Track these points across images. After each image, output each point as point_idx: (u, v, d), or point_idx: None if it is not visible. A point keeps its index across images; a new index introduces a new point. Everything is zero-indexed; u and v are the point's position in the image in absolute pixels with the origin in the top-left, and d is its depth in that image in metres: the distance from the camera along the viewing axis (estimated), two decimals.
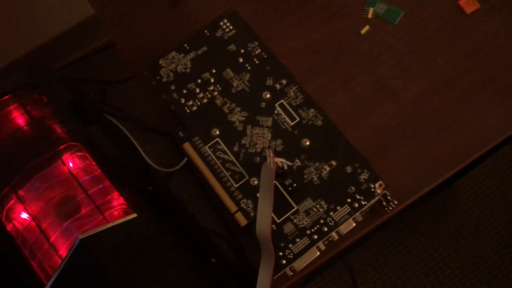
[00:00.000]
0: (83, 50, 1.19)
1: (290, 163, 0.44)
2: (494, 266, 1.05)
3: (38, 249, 0.65)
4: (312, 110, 0.48)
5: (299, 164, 0.46)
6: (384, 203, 0.47)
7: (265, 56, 0.50)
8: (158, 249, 0.65)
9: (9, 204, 0.68)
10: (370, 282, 1.06)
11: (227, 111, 0.49)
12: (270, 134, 0.48)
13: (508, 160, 1.13)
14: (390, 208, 0.47)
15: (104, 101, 1.20)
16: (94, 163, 0.70)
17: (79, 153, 0.70)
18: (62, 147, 0.70)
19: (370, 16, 0.55)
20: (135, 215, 0.64)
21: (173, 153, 1.16)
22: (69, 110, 0.74)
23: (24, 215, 0.68)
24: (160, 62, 0.51)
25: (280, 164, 0.43)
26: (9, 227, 0.67)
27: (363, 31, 0.55)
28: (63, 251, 0.65)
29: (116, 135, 1.07)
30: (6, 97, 0.74)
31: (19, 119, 0.73)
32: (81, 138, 0.70)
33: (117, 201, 0.68)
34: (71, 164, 0.70)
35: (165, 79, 0.50)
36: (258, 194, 0.45)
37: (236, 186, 0.46)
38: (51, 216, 0.67)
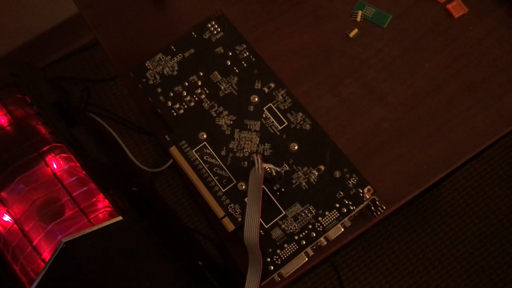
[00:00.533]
0: (67, 49, 1.18)
1: (278, 169, 0.43)
2: (478, 266, 1.06)
3: (21, 253, 0.64)
4: (301, 114, 0.48)
5: (288, 168, 0.46)
6: (372, 208, 0.47)
7: (253, 59, 0.50)
8: (143, 252, 0.64)
9: None
10: (356, 282, 1.07)
11: (215, 115, 0.48)
12: (258, 138, 0.47)
13: (491, 161, 1.14)
14: (379, 213, 0.46)
15: (88, 100, 1.18)
16: (78, 164, 0.69)
17: (63, 155, 0.69)
18: (45, 148, 0.69)
19: (358, 19, 0.55)
20: (120, 218, 0.63)
21: (159, 153, 1.15)
22: (52, 110, 0.73)
23: (6, 218, 0.66)
24: (146, 64, 0.50)
25: (268, 169, 0.42)
26: None
27: (351, 34, 0.55)
28: (47, 255, 0.64)
29: (101, 135, 1.06)
30: None
31: (1, 119, 0.72)
32: (65, 139, 0.69)
33: (102, 203, 0.67)
34: (55, 166, 0.69)
35: (152, 82, 0.49)
36: (246, 200, 0.45)
37: (223, 190, 0.46)
38: (34, 218, 0.65)
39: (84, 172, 0.68)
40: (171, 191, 1.13)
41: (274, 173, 0.43)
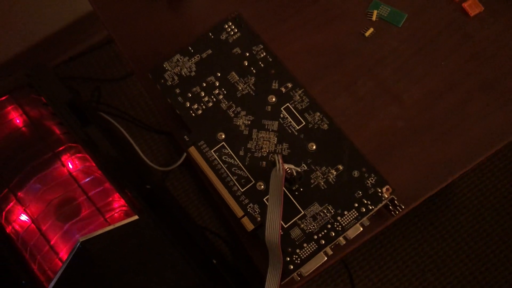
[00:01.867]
0: (77, 49, 1.18)
1: (299, 169, 0.44)
2: (490, 264, 1.06)
3: (38, 252, 0.65)
4: (318, 114, 0.48)
5: (306, 168, 0.46)
6: (390, 207, 0.47)
7: (270, 60, 0.50)
8: (159, 251, 0.65)
9: (9, 206, 0.67)
10: (367, 280, 1.07)
11: (233, 115, 0.49)
12: (276, 138, 0.48)
13: (504, 158, 1.14)
14: (397, 212, 0.47)
15: (99, 99, 1.19)
16: (94, 164, 0.69)
17: (79, 154, 0.70)
18: (61, 148, 0.69)
19: (374, 18, 0.55)
20: (136, 217, 0.64)
21: (170, 152, 1.16)
22: (67, 110, 0.73)
23: (24, 217, 0.67)
24: (164, 65, 0.50)
25: (289, 170, 0.42)
26: (8, 229, 0.67)
27: (367, 34, 0.55)
28: (64, 254, 0.64)
29: (112, 134, 1.07)
30: (4, 97, 0.73)
31: (17, 120, 0.72)
32: (80, 139, 0.70)
33: (118, 202, 0.68)
34: (70, 166, 0.70)
35: (170, 83, 0.50)
36: (266, 199, 0.45)
37: (242, 190, 0.46)
38: (51, 218, 0.66)
39: (99, 171, 0.68)
40: (182, 189, 1.14)
41: (294, 174, 0.43)
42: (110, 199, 0.67)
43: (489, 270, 1.06)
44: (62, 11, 1.04)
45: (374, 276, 1.07)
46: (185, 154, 1.18)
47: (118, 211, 0.67)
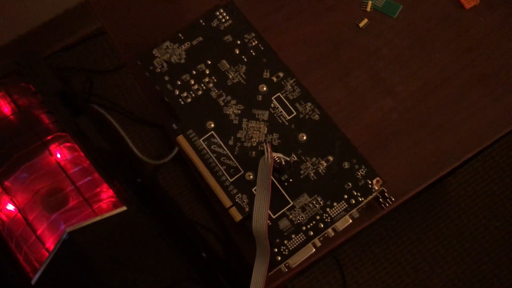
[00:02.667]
0: (70, 39, 1.17)
1: (287, 158, 0.43)
2: (481, 262, 1.06)
3: (25, 242, 0.64)
4: (310, 104, 0.47)
5: (296, 159, 0.45)
6: (381, 199, 0.46)
7: (262, 48, 0.49)
8: (147, 242, 0.64)
9: None
10: (359, 277, 1.06)
11: (223, 104, 0.48)
12: (266, 128, 0.47)
13: (497, 157, 1.13)
14: (387, 204, 0.46)
15: (91, 90, 1.18)
16: (82, 154, 0.68)
17: (67, 144, 0.69)
18: (49, 137, 0.68)
19: (368, 9, 0.55)
20: (124, 208, 0.63)
21: (162, 145, 1.15)
22: (57, 99, 0.72)
23: (10, 207, 0.66)
24: (153, 52, 0.49)
25: (277, 159, 0.42)
26: None
27: (361, 25, 0.54)
28: (50, 244, 0.63)
29: (104, 126, 1.05)
30: None
31: (5, 107, 0.71)
32: (70, 128, 0.69)
33: (106, 193, 0.67)
34: (58, 155, 0.68)
35: (159, 70, 0.49)
36: (254, 189, 0.44)
37: (231, 180, 0.45)
38: (38, 208, 0.65)
39: (88, 161, 0.67)
40: (173, 183, 1.13)
41: (283, 163, 0.42)
42: (99, 189, 0.66)
43: (481, 269, 1.06)
44: (54, 0, 1.03)
45: (366, 273, 1.06)
46: (177, 148, 1.17)
47: (107, 202, 0.66)
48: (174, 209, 0.89)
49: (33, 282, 0.60)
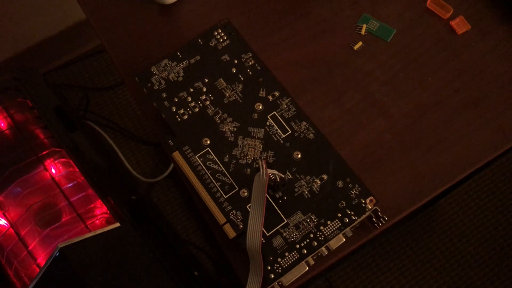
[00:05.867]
0: (67, 57, 1.18)
1: (282, 175, 0.43)
2: (473, 286, 1.06)
3: (16, 257, 0.63)
4: (304, 123, 0.48)
5: (290, 177, 0.46)
6: (374, 219, 0.46)
7: (259, 68, 0.50)
8: (140, 260, 0.64)
9: None
10: None
11: (219, 121, 0.48)
12: (261, 146, 0.47)
13: (488, 181, 1.14)
14: (380, 224, 0.46)
15: (87, 108, 1.18)
16: (77, 170, 0.68)
17: (62, 159, 0.69)
18: (44, 152, 0.68)
19: (363, 32, 0.56)
20: (118, 224, 0.63)
21: (156, 163, 1.15)
22: (53, 115, 0.73)
23: (2, 221, 0.66)
24: (152, 69, 0.50)
25: (272, 176, 0.42)
26: None
27: (356, 47, 0.55)
28: (42, 260, 0.63)
29: (99, 143, 1.06)
30: None
31: (1, 122, 0.71)
32: (65, 144, 0.69)
33: (100, 209, 0.67)
34: (53, 170, 0.68)
35: (157, 87, 0.50)
36: (248, 206, 0.44)
37: (225, 197, 0.46)
38: (30, 223, 0.65)
39: (82, 177, 0.67)
40: (167, 201, 1.12)
41: (278, 179, 0.43)
42: (92, 205, 0.66)
43: None
44: (54, 18, 1.04)
45: None
46: (171, 166, 1.17)
47: (100, 218, 0.66)
48: (167, 228, 0.88)
49: None
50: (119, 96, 1.21)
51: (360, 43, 0.55)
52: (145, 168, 1.14)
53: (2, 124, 0.72)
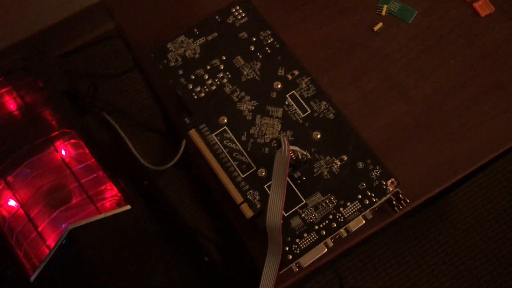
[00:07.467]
0: (75, 43, 1.17)
1: (304, 152, 0.42)
2: (483, 280, 1.05)
3: (25, 238, 0.62)
4: (324, 102, 0.47)
5: (310, 157, 0.45)
6: (394, 202, 0.45)
7: (278, 46, 0.49)
8: (150, 243, 0.63)
9: None
10: None
11: (236, 100, 0.47)
12: (280, 125, 0.46)
13: (498, 175, 1.13)
14: (400, 207, 0.45)
15: (95, 95, 1.17)
16: (88, 151, 0.67)
17: (73, 141, 0.68)
18: (55, 133, 0.67)
19: (383, 13, 0.55)
20: (129, 207, 0.62)
21: (163, 152, 1.14)
22: (63, 96, 0.72)
23: (12, 202, 0.65)
24: (168, 46, 0.49)
25: (293, 155, 0.41)
26: None
27: (376, 28, 0.54)
28: (51, 241, 0.62)
29: (107, 130, 1.05)
30: None
31: (11, 102, 0.70)
32: (76, 125, 0.68)
33: (110, 192, 0.66)
34: (63, 152, 0.67)
35: (173, 63, 0.48)
36: (266, 187, 0.43)
37: (243, 176, 0.45)
38: (40, 204, 0.64)
39: (93, 159, 0.66)
40: (174, 190, 1.11)
41: (299, 157, 0.42)
42: (103, 187, 0.65)
43: (482, 287, 1.04)
44: (63, 3, 1.03)
45: (366, 287, 1.05)
46: (179, 154, 1.16)
47: (110, 200, 0.65)
48: (176, 214, 0.87)
49: (32, 279, 0.59)
50: (126, 83, 1.20)
51: (380, 24, 0.54)
52: (152, 157, 1.13)
53: (12, 105, 0.71)
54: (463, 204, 1.11)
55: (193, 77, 0.48)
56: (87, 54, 1.19)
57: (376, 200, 0.43)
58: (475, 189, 1.12)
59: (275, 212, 0.39)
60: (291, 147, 0.40)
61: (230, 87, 0.48)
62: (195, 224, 1.08)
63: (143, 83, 1.19)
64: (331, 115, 0.46)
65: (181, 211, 1.10)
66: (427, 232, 1.08)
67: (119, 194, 0.65)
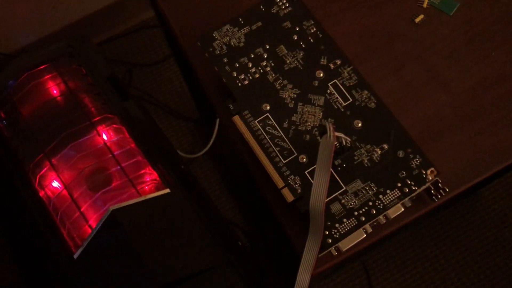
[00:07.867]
0: (113, 31, 1.20)
1: (348, 139, 0.43)
2: (510, 279, 1.04)
3: (68, 218, 0.65)
4: (366, 92, 0.48)
5: (350, 145, 0.46)
6: (432, 191, 0.46)
7: (320, 35, 0.50)
8: (188, 226, 0.64)
9: (42, 172, 0.68)
10: (385, 283, 1.05)
11: (279, 87, 0.48)
12: (321, 113, 0.47)
13: None
14: (439, 196, 0.46)
15: (130, 83, 1.20)
16: (128, 136, 0.69)
17: (115, 126, 0.70)
18: (98, 118, 0.70)
19: (425, 5, 0.55)
20: (168, 190, 0.64)
21: (196, 140, 1.16)
22: (106, 82, 0.74)
23: (56, 184, 0.67)
24: (213, 34, 0.50)
25: (336, 143, 0.42)
26: (41, 193, 0.67)
27: (417, 20, 0.54)
28: (93, 222, 0.64)
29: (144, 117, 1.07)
30: (45, 66, 0.74)
31: (57, 88, 0.73)
32: (118, 111, 0.70)
33: (150, 176, 0.68)
34: (105, 136, 0.70)
35: (218, 52, 0.50)
36: (307, 173, 0.45)
37: (284, 162, 0.46)
38: (82, 186, 0.66)
39: (133, 144, 0.69)
40: (204, 178, 1.14)
41: (344, 143, 0.43)
42: (142, 171, 0.67)
43: (511, 285, 1.04)
44: None
45: (392, 280, 1.05)
46: (211, 142, 1.18)
47: (150, 184, 0.67)
48: (209, 200, 0.89)
49: (75, 256, 0.62)
50: (160, 73, 1.22)
51: (421, 16, 0.54)
52: (184, 144, 1.16)
53: (57, 90, 0.73)
54: (495, 200, 1.10)
55: (237, 65, 0.49)
56: (122, 42, 1.22)
57: (415, 189, 0.44)
58: (507, 185, 1.11)
59: (319, 195, 0.40)
60: (337, 133, 0.41)
61: (273, 75, 0.49)
62: (225, 212, 1.10)
63: (176, 72, 1.21)
64: (373, 104, 0.47)
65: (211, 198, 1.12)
66: (457, 227, 1.08)
67: (158, 179, 0.67)
